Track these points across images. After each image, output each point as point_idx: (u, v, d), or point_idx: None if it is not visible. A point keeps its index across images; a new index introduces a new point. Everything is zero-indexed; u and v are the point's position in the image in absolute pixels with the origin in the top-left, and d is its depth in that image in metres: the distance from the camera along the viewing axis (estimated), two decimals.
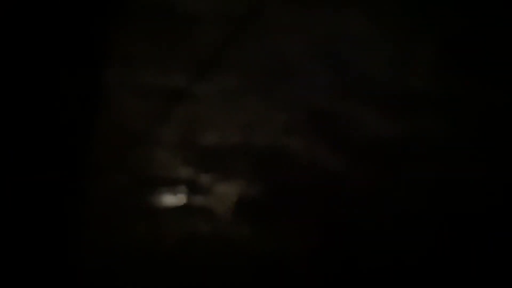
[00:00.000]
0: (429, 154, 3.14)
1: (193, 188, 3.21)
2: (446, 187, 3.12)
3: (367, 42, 3.27)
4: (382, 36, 3.33)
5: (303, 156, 3.18)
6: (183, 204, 3.19)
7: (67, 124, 3.36)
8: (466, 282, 3.03)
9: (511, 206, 3.11)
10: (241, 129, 3.19)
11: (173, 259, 3.16)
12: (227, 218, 3.19)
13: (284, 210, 3.19)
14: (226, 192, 3.23)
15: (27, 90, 3.40)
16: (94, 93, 3.35)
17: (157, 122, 3.23)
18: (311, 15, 3.41)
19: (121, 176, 3.20)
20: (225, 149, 3.19)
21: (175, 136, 3.19)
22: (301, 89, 3.24)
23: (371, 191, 3.14)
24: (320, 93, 3.23)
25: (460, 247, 3.09)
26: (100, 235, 3.14)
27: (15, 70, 3.42)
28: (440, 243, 3.10)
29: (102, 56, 3.40)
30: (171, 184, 3.23)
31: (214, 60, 3.26)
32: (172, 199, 3.20)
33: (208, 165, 3.22)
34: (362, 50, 3.27)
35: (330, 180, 3.16)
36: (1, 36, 3.41)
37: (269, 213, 3.18)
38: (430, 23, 3.38)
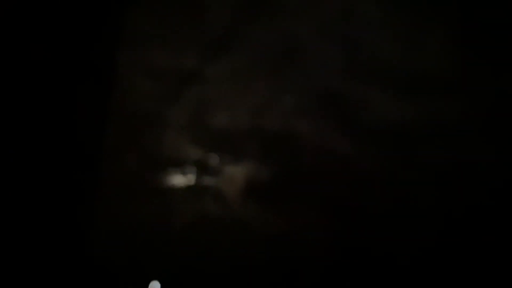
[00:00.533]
0: (440, 137, 3.14)
1: (202, 169, 3.24)
2: (456, 171, 3.12)
3: (379, 23, 3.25)
4: (393, 18, 3.31)
5: (312, 138, 3.19)
6: (192, 184, 3.22)
7: (79, 106, 3.38)
8: (474, 264, 3.04)
9: None
10: (251, 111, 3.20)
11: (183, 238, 3.20)
12: (236, 199, 3.22)
13: (293, 192, 3.21)
14: (235, 174, 3.25)
15: (39, 72, 3.42)
16: (105, 75, 3.37)
17: (168, 104, 3.25)
18: None
19: (132, 156, 3.23)
20: (234, 131, 3.20)
21: (185, 117, 3.21)
22: (311, 70, 3.24)
23: (380, 174, 3.15)
24: (330, 75, 3.22)
25: (468, 231, 3.10)
26: (112, 215, 3.18)
27: (27, 52, 3.44)
28: (448, 225, 3.11)
29: (114, 38, 3.41)
30: (181, 165, 3.25)
31: (224, 42, 3.27)
32: (182, 179, 3.23)
33: (218, 146, 3.24)
34: (373, 31, 3.25)
35: (339, 163, 3.17)
36: (14, 19, 3.43)
37: (277, 195, 3.20)
38: (442, 5, 3.35)
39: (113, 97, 3.32)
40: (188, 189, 3.15)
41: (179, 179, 3.15)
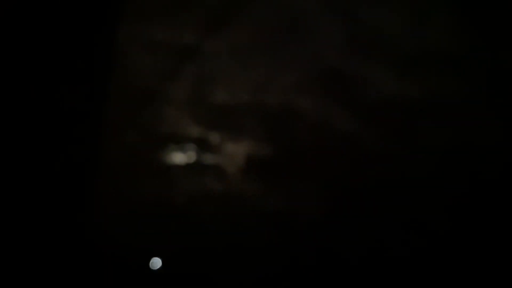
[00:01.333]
0: (443, 116, 3.16)
1: (203, 146, 3.24)
2: (460, 151, 3.17)
3: (383, 1, 3.18)
4: None
5: (313, 116, 3.19)
6: (193, 162, 3.23)
7: (79, 81, 3.30)
8: (475, 248, 3.17)
9: None
10: (251, 88, 3.16)
11: (183, 215, 3.25)
12: (237, 176, 3.25)
13: (293, 170, 3.25)
14: (235, 151, 3.26)
15: (41, 48, 3.30)
16: (105, 50, 3.27)
17: (168, 80, 3.19)
18: None
19: (132, 133, 3.21)
20: (235, 108, 3.19)
21: (185, 93, 3.17)
22: (312, 47, 3.17)
23: (382, 152, 3.19)
24: (332, 52, 3.17)
25: (471, 212, 3.20)
26: (113, 191, 3.20)
27: (27, 30, 3.31)
28: (451, 206, 3.20)
29: (114, 13, 3.28)
30: (182, 142, 3.24)
31: (224, 18, 3.17)
32: (182, 157, 3.23)
33: (218, 123, 3.23)
34: (376, 8, 3.18)
35: (340, 141, 3.20)
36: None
37: (278, 173, 3.25)
38: None
39: (113, 73, 3.23)
40: (188, 166, 3.17)
41: (179, 157, 3.16)
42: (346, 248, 3.20)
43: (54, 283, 3.21)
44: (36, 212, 3.31)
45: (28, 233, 3.28)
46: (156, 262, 3.24)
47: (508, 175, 3.17)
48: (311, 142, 3.17)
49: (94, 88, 3.28)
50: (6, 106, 3.26)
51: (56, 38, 3.26)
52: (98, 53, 3.26)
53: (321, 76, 3.12)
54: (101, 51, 3.26)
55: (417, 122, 3.14)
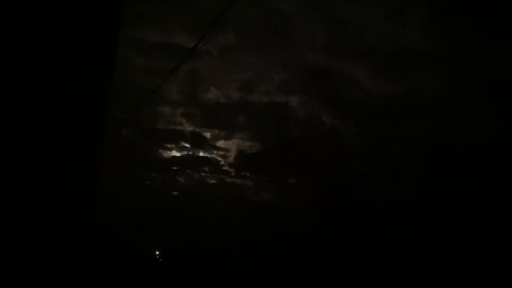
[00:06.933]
0: (424, 112, 3.39)
1: (197, 142, 3.48)
2: (438, 145, 3.41)
3: (364, 2, 3.38)
4: None
5: (300, 112, 3.43)
6: (188, 157, 3.47)
7: (79, 81, 3.52)
8: (456, 240, 3.41)
9: (507, 167, 3.40)
10: (242, 86, 3.39)
11: (181, 205, 3.50)
12: (230, 170, 3.49)
13: (282, 163, 3.49)
14: (227, 146, 3.50)
15: (42, 46, 3.51)
16: (105, 52, 3.48)
17: (162, 79, 3.42)
18: None
19: (130, 129, 3.45)
20: (226, 106, 3.42)
21: (178, 92, 3.40)
22: (299, 47, 3.40)
23: (366, 146, 3.43)
24: (317, 52, 3.40)
25: (452, 203, 3.43)
26: (113, 184, 3.44)
27: (29, 30, 3.51)
28: (432, 198, 3.44)
29: (111, 17, 3.49)
30: (177, 139, 3.48)
31: (215, 21, 3.38)
32: (178, 152, 3.47)
33: (211, 120, 3.48)
34: (359, 9, 3.39)
35: (326, 136, 3.44)
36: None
37: (268, 166, 3.48)
38: None
39: (112, 73, 3.46)
40: (183, 160, 3.40)
41: (175, 152, 3.40)
42: (332, 234, 3.44)
43: (58, 275, 3.44)
44: (40, 204, 3.54)
45: (31, 225, 3.52)
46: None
47: (485, 167, 3.40)
48: (298, 137, 3.40)
49: (95, 87, 3.51)
50: (10, 105, 3.49)
51: (58, 40, 3.48)
52: (98, 54, 3.48)
53: (307, 75, 3.35)
54: (102, 53, 3.48)
55: (396, 118, 3.36)
